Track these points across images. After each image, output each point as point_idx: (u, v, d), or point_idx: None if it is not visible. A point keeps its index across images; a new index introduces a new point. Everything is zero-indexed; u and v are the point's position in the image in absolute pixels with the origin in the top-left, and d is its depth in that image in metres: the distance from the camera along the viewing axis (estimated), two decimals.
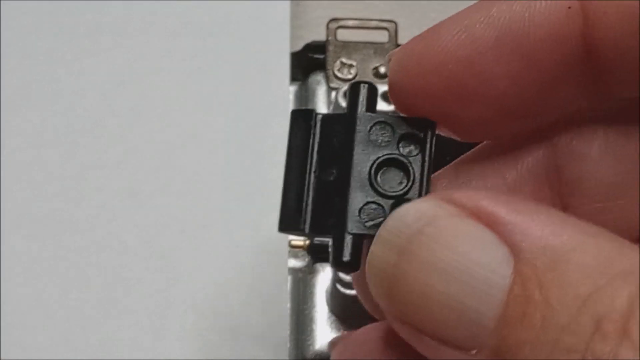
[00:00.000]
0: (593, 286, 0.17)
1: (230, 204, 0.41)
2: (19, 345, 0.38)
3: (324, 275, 0.40)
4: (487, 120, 0.22)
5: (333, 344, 0.26)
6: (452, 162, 0.23)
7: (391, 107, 0.35)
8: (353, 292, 0.36)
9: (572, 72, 0.21)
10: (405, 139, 0.22)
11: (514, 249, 0.18)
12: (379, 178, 0.22)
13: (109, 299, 0.39)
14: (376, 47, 0.43)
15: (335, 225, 0.21)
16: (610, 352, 0.16)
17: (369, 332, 0.23)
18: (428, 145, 0.22)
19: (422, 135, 0.22)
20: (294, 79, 0.44)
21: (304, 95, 0.44)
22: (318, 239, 0.39)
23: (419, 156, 0.22)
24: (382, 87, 0.30)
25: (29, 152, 0.41)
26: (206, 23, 0.44)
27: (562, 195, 0.23)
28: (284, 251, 0.40)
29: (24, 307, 0.39)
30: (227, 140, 0.42)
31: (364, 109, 0.22)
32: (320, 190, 0.22)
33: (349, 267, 0.21)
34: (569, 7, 0.20)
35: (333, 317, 0.39)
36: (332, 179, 0.22)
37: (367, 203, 0.22)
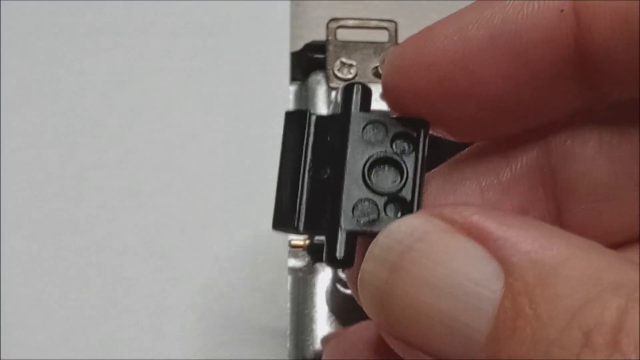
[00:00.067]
0: (582, 299, 0.17)
1: (230, 204, 0.41)
2: (19, 345, 0.38)
3: (324, 275, 0.40)
4: (481, 121, 0.22)
5: (326, 340, 0.26)
6: (447, 161, 0.23)
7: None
8: None
9: (566, 73, 0.21)
10: (398, 138, 0.22)
11: (504, 264, 0.18)
12: (372, 176, 0.22)
13: (109, 299, 0.39)
14: (376, 47, 0.43)
15: (328, 222, 0.22)
16: None
17: (362, 330, 0.23)
18: (421, 144, 0.22)
19: (415, 134, 0.22)
20: (294, 78, 0.44)
21: (304, 95, 0.44)
22: (318, 239, 0.39)
23: (413, 155, 0.22)
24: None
25: (29, 152, 0.41)
26: (206, 23, 0.44)
27: (556, 195, 0.23)
28: (284, 251, 0.40)
29: (24, 307, 0.39)
30: (227, 140, 0.42)
31: (357, 109, 0.22)
32: (314, 188, 0.22)
33: (342, 264, 0.21)
34: (562, 10, 0.20)
35: (333, 317, 0.39)
36: (325, 177, 0.22)
37: (361, 200, 0.22)
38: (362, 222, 0.21)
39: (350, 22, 0.43)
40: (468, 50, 0.21)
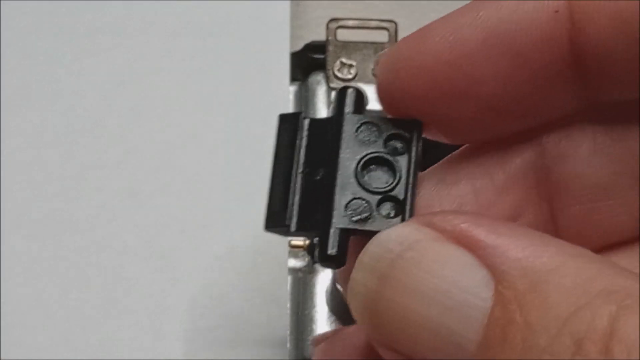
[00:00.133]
0: (573, 306, 0.17)
1: (230, 204, 0.41)
2: (19, 345, 0.38)
3: (324, 275, 0.40)
4: (476, 122, 0.22)
5: (316, 342, 0.26)
6: (440, 162, 0.23)
7: None
8: None
9: (561, 74, 0.21)
10: (392, 138, 0.22)
11: (494, 272, 0.18)
12: (365, 176, 0.22)
13: (109, 299, 0.39)
14: (376, 47, 0.43)
15: (321, 220, 0.21)
16: None
17: (353, 334, 0.23)
18: (414, 145, 0.22)
19: (408, 135, 0.22)
20: (294, 79, 0.44)
21: (304, 95, 0.44)
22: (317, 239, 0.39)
23: (406, 155, 0.22)
24: None
25: (29, 152, 0.41)
26: (206, 23, 0.44)
27: (550, 196, 0.23)
28: (284, 251, 0.40)
29: (24, 307, 0.39)
30: (227, 140, 0.42)
31: (351, 110, 0.22)
32: (307, 189, 0.22)
33: (334, 262, 0.21)
34: (556, 11, 0.20)
35: (333, 317, 0.39)
36: (319, 178, 0.22)
37: (354, 199, 0.22)
38: (354, 219, 0.21)
39: (350, 23, 0.43)
40: (463, 51, 0.21)
